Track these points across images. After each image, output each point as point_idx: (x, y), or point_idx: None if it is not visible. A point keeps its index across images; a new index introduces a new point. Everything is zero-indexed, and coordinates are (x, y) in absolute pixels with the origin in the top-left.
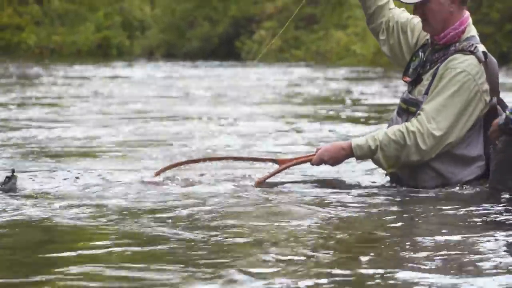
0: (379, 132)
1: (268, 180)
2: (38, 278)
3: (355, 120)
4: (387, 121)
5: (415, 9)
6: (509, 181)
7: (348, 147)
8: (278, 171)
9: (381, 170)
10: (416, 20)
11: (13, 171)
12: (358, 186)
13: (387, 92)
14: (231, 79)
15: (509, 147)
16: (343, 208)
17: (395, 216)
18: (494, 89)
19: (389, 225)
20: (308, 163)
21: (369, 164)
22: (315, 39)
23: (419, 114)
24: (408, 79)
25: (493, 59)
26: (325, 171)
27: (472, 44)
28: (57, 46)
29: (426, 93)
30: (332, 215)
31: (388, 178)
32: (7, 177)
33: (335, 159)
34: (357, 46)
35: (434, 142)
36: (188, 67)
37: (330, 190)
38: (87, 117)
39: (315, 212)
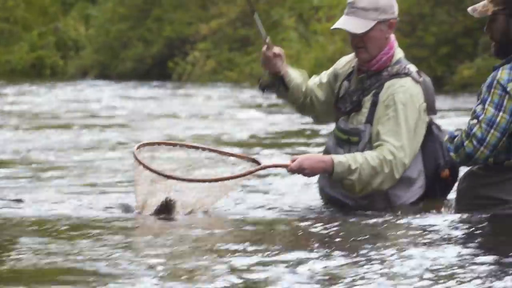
0: (357, 155)
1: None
2: None
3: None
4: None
5: (354, 38)
6: (471, 209)
7: (329, 161)
8: (257, 170)
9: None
10: (323, 74)
11: None
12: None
13: None
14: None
15: (467, 178)
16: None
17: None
18: (431, 107)
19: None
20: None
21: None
22: (249, 61)
23: (382, 144)
24: (340, 108)
25: (426, 78)
26: (263, 193)
27: (405, 67)
28: None
29: (368, 121)
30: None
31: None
32: None
33: (313, 169)
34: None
35: (404, 169)
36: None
37: (282, 212)
38: None
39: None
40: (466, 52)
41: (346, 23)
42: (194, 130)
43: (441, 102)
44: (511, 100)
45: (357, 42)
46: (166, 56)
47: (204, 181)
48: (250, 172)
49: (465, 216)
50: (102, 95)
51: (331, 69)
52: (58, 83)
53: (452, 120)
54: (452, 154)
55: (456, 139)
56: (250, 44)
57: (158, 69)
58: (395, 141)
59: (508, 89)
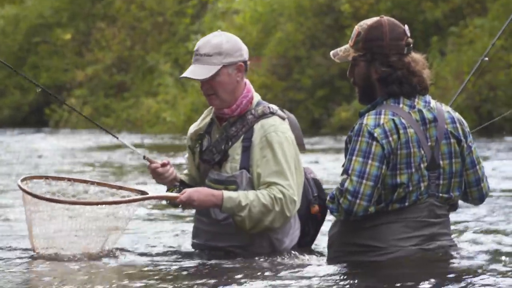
0: (249, 193)
1: None
2: None
3: None
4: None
5: (203, 85)
6: (343, 256)
7: (219, 196)
8: (145, 198)
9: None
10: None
11: None
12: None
13: None
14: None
15: (337, 224)
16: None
17: None
18: (299, 142)
19: None
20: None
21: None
22: (125, 107)
23: (270, 184)
24: (208, 160)
25: (290, 114)
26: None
27: (268, 106)
28: None
29: (243, 167)
30: None
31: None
32: None
33: (202, 202)
34: (168, 113)
35: (294, 206)
36: None
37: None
38: None
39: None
40: (343, 94)
41: (191, 71)
42: None
43: (318, 144)
44: (379, 146)
45: (207, 89)
46: (43, 104)
47: (93, 203)
48: (139, 199)
49: (334, 264)
50: None
51: (187, 141)
52: None
53: (330, 164)
54: (334, 214)
55: (334, 198)
56: (126, 89)
57: (35, 116)
58: (281, 180)
59: (375, 134)
